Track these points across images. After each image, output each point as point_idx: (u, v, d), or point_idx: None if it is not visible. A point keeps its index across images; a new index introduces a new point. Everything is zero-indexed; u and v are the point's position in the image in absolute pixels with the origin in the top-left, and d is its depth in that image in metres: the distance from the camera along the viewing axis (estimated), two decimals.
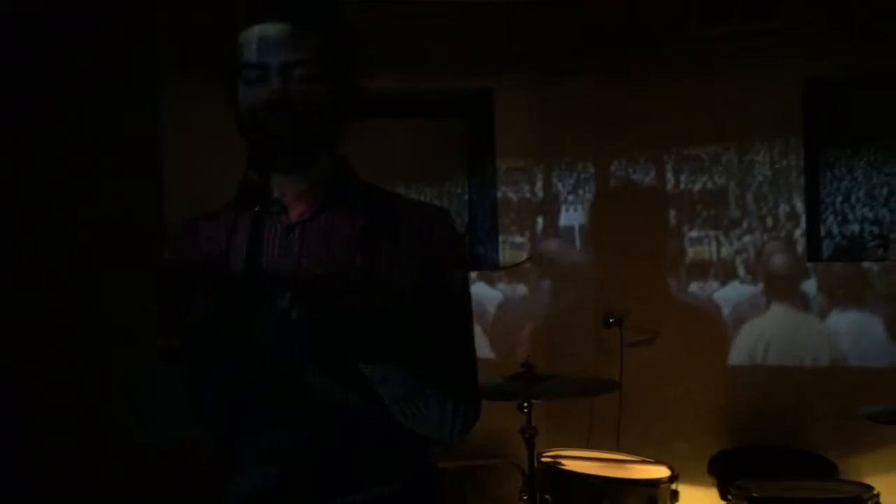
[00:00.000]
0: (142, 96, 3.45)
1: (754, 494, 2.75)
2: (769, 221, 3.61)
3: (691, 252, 3.73)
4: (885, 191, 3.55)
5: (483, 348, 3.83)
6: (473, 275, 3.89)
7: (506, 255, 3.93)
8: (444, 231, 1.52)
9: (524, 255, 3.92)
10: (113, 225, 3.31)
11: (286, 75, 1.42)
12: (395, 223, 1.49)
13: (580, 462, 3.00)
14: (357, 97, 1.50)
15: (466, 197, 4.03)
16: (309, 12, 1.45)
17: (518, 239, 3.94)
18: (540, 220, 3.95)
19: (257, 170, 1.31)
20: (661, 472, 2.90)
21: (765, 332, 3.63)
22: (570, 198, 3.91)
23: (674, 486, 2.85)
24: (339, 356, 1.40)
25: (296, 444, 1.45)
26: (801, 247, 3.58)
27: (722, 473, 3.36)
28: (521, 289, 3.93)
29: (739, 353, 3.67)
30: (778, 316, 3.61)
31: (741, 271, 3.65)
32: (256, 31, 1.43)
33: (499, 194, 3.91)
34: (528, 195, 3.94)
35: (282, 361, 1.44)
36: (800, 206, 3.57)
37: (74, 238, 3.29)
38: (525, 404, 2.88)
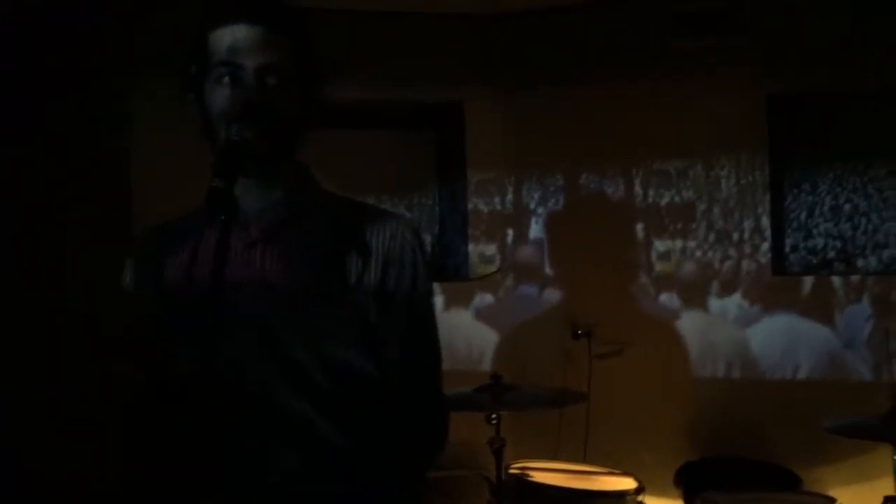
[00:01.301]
0: (111, 100, 3.42)
1: None
2: (735, 236, 3.66)
3: (659, 265, 3.76)
4: (848, 207, 3.61)
5: (451, 359, 3.82)
6: (443, 285, 3.89)
7: (475, 266, 3.93)
8: (410, 242, 1.51)
9: (494, 267, 3.93)
10: (81, 230, 3.27)
11: (261, 78, 1.40)
12: (361, 236, 1.47)
13: (547, 473, 3.00)
14: (320, 106, 1.50)
15: (437, 208, 4.04)
16: (280, 18, 1.44)
17: (488, 250, 3.95)
18: (510, 232, 3.96)
19: (223, 177, 1.28)
20: (627, 483, 2.92)
21: (730, 345, 3.67)
22: (540, 210, 3.93)
23: (640, 498, 2.87)
24: (306, 376, 1.39)
25: (261, 466, 1.42)
26: (767, 261, 3.62)
27: (688, 485, 3.38)
28: (491, 300, 3.93)
29: (705, 365, 3.70)
30: (742, 329, 3.65)
31: (708, 284, 3.69)
32: (229, 32, 1.42)
33: (469, 206, 3.92)
34: (498, 207, 3.95)
35: (246, 381, 1.41)
36: (765, 220, 3.62)
37: (43, 243, 3.25)
38: (493, 415, 2.88)
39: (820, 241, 3.65)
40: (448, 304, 3.88)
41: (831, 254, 3.64)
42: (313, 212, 1.49)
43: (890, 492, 2.63)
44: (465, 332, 3.89)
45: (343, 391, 1.43)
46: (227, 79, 1.41)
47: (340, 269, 1.43)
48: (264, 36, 1.41)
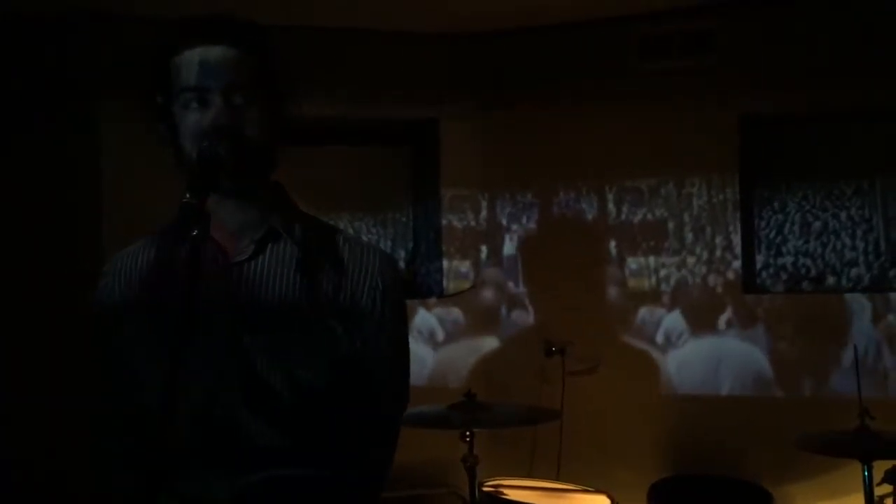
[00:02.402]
0: (81, 120, 3.40)
1: None
2: (706, 254, 3.69)
3: (632, 282, 3.78)
4: (817, 225, 3.66)
5: (425, 376, 3.81)
6: (417, 302, 3.89)
7: (449, 282, 3.94)
8: (386, 270, 1.51)
9: (468, 284, 3.93)
10: (51, 248, 3.24)
11: (228, 99, 1.40)
12: (335, 260, 1.47)
13: (521, 491, 3.00)
14: (288, 123, 1.50)
15: (411, 225, 4.04)
16: (245, 37, 1.44)
17: (462, 267, 3.95)
18: (484, 249, 3.97)
19: (195, 192, 1.28)
20: (601, 501, 2.92)
21: (702, 362, 3.69)
22: (514, 227, 3.94)
23: None
24: (275, 399, 1.39)
25: (224, 493, 1.40)
26: (737, 279, 3.66)
27: (661, 502, 3.39)
28: (465, 316, 3.93)
29: (678, 382, 3.72)
30: (716, 346, 3.68)
31: (680, 302, 3.72)
32: (196, 55, 1.41)
33: (443, 222, 3.93)
34: (472, 224, 3.96)
35: (214, 405, 1.40)
36: (736, 239, 3.66)
37: (12, 259, 3.21)
38: (467, 433, 2.88)
39: (790, 260, 3.70)
40: (422, 321, 3.87)
41: (801, 272, 3.68)
42: (288, 233, 1.49)
43: None
44: (439, 349, 3.88)
45: (309, 414, 1.42)
46: (194, 104, 1.40)
47: (313, 291, 1.43)
48: (227, 56, 1.41)
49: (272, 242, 1.47)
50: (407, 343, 1.57)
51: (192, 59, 1.41)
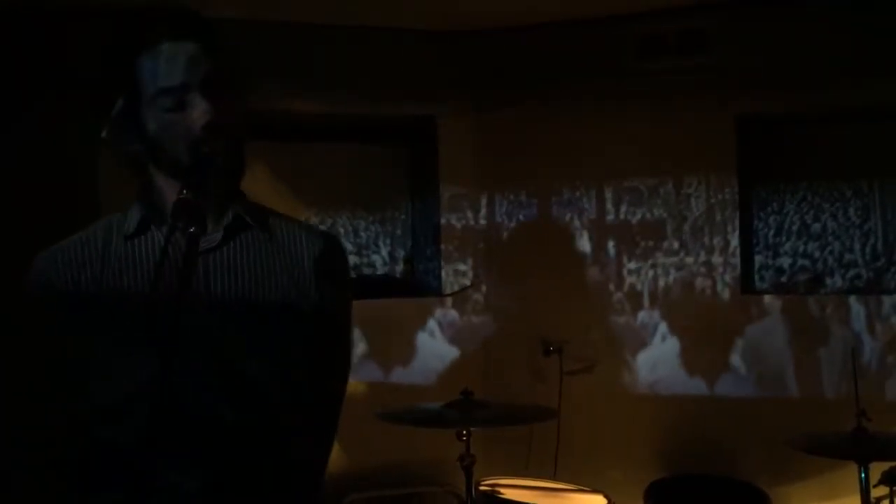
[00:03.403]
0: (79, 118, 3.38)
1: None
2: (704, 254, 3.69)
3: (630, 282, 3.78)
4: (816, 226, 3.66)
5: (422, 375, 3.81)
6: (415, 300, 3.88)
7: (447, 281, 3.93)
8: (338, 259, 1.55)
9: (466, 282, 3.93)
10: (47, 243, 3.23)
11: (207, 95, 1.38)
12: (296, 251, 1.50)
13: (518, 490, 3.00)
14: (246, 118, 1.49)
15: (409, 223, 4.03)
16: (200, 30, 1.42)
17: (460, 266, 3.95)
18: (482, 247, 3.96)
19: (193, 189, 1.27)
20: (597, 501, 2.92)
21: (700, 362, 3.69)
22: (512, 225, 3.94)
23: None
24: (247, 388, 1.39)
25: (202, 487, 1.38)
26: (736, 279, 3.65)
27: (657, 502, 3.39)
28: (462, 315, 3.93)
29: (676, 383, 3.72)
30: (713, 347, 3.68)
31: (678, 302, 3.71)
32: (166, 51, 1.38)
33: (442, 221, 3.93)
34: (470, 222, 3.96)
35: (184, 395, 1.37)
36: (734, 239, 3.65)
37: (8, 258, 3.20)
38: (463, 432, 2.87)
39: (788, 261, 3.70)
40: (420, 320, 3.87)
41: (799, 273, 3.68)
42: (253, 220, 1.49)
43: None
44: (436, 347, 3.88)
45: (275, 401, 1.43)
46: (172, 103, 1.38)
47: (278, 279, 1.45)
48: (196, 51, 1.39)
49: (239, 230, 1.47)
50: (348, 326, 1.60)
51: (163, 56, 1.38)
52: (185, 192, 1.27)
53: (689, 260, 3.70)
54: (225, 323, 1.41)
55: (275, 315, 1.44)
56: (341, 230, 3.91)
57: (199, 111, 1.38)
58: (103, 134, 1.44)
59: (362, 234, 3.97)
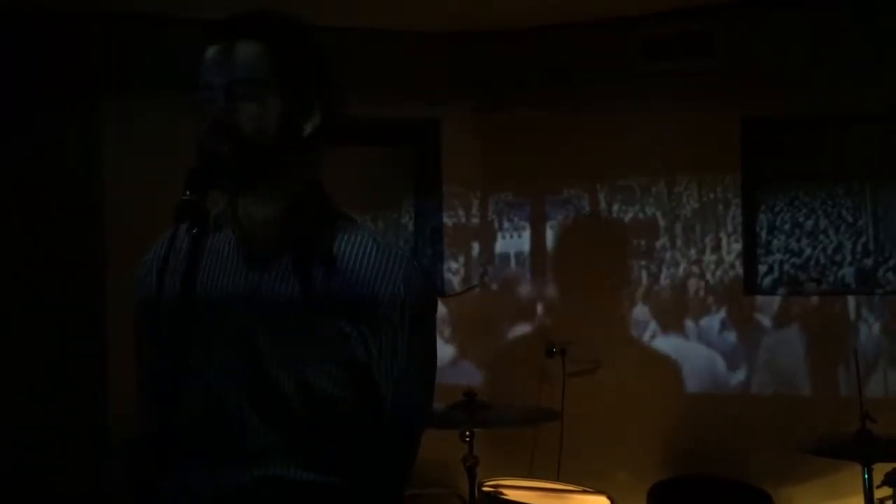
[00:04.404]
0: (83, 117, 3.40)
1: None
2: (707, 255, 3.68)
3: (634, 283, 3.78)
4: (814, 226, 3.65)
5: None
6: None
7: (451, 282, 3.94)
8: (416, 285, 1.45)
9: (469, 284, 3.93)
10: (54, 244, 3.25)
11: (231, 94, 1.37)
12: (361, 269, 1.42)
13: (521, 492, 3.00)
14: (321, 119, 1.46)
15: (412, 224, 4.04)
16: (257, 30, 1.40)
17: (462, 267, 3.95)
18: (485, 249, 3.97)
19: (194, 190, 1.26)
20: (600, 502, 2.92)
21: (702, 363, 3.69)
22: (515, 227, 3.94)
23: None
24: (280, 400, 1.38)
25: (227, 491, 1.39)
26: (738, 280, 3.65)
27: (659, 503, 3.39)
28: (465, 316, 3.93)
29: (679, 383, 3.72)
30: (717, 348, 3.68)
31: (681, 303, 3.71)
32: (209, 53, 1.40)
33: (445, 222, 3.93)
34: (473, 223, 3.96)
35: (218, 400, 1.39)
36: (734, 240, 3.65)
37: (15, 257, 3.23)
38: (467, 433, 2.88)
39: (791, 261, 3.69)
40: None
41: (802, 273, 3.68)
42: (313, 230, 1.45)
43: None
44: (440, 348, 3.87)
45: (320, 420, 1.41)
46: (207, 99, 1.38)
47: (330, 294, 1.40)
48: (238, 51, 1.38)
49: (296, 240, 1.44)
50: (432, 357, 1.51)
51: (207, 57, 1.40)
52: (188, 192, 1.26)
53: (692, 260, 3.70)
54: (267, 333, 1.40)
55: (319, 329, 1.40)
56: None
57: (216, 108, 1.37)
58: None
59: None
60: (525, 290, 3.91)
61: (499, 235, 3.95)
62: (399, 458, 1.50)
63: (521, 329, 3.90)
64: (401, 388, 1.45)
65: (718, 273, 3.68)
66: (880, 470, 2.64)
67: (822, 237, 3.65)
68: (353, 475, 1.43)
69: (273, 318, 1.40)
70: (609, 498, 2.91)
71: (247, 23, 1.41)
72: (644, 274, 3.76)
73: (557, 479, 3.23)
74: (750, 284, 3.68)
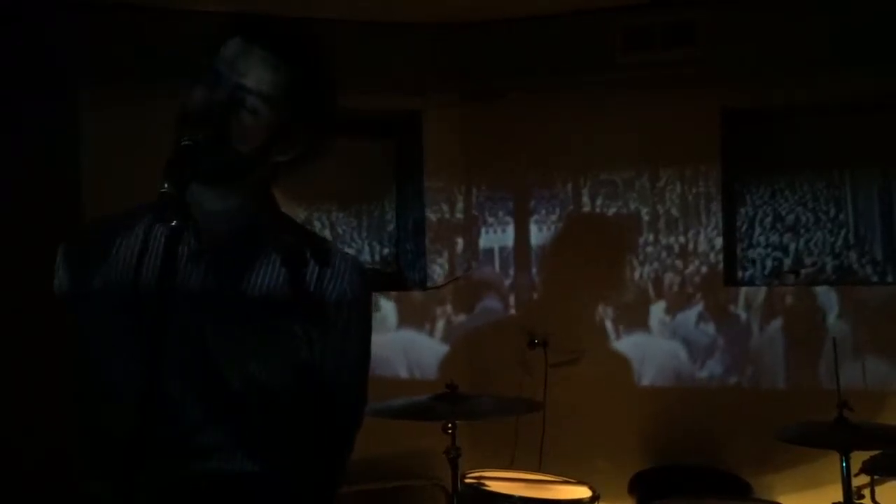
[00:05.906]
0: (59, 108, 3.36)
1: None
2: (687, 246, 3.70)
3: (614, 274, 3.79)
4: (794, 218, 3.68)
5: (407, 368, 3.82)
6: (400, 294, 3.88)
7: (432, 275, 3.93)
8: (359, 287, 1.50)
9: (451, 276, 3.93)
10: (30, 230, 3.22)
11: (233, 95, 1.38)
12: (306, 263, 1.46)
13: (504, 483, 3.00)
14: (296, 154, 1.47)
15: (394, 217, 4.03)
16: (287, 49, 1.42)
17: (444, 259, 3.95)
18: (466, 241, 3.97)
19: (173, 182, 1.25)
20: (582, 492, 2.93)
21: (683, 354, 3.71)
22: (496, 219, 3.95)
23: None
24: (225, 394, 1.39)
25: (170, 485, 1.39)
26: (719, 271, 3.67)
27: (641, 493, 3.41)
28: (447, 309, 3.94)
29: (660, 374, 3.74)
30: (697, 338, 3.70)
31: (663, 294, 3.73)
32: (230, 45, 1.41)
33: (426, 215, 3.92)
34: (456, 215, 3.96)
35: (163, 392, 1.36)
36: (715, 231, 3.68)
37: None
38: (449, 425, 2.88)
39: (770, 252, 3.72)
40: (405, 313, 3.87)
41: (781, 264, 3.71)
42: (264, 229, 1.47)
43: (838, 498, 2.68)
44: (421, 340, 3.88)
45: (259, 412, 1.42)
46: (208, 81, 1.38)
47: (279, 292, 1.42)
48: (256, 57, 1.40)
49: (246, 235, 1.46)
50: (368, 357, 1.55)
51: (230, 46, 1.42)
52: (166, 185, 1.25)
53: (673, 252, 3.72)
54: (217, 324, 1.40)
55: (266, 325, 1.42)
56: (326, 223, 3.90)
57: (215, 95, 1.37)
58: None
59: (347, 227, 3.96)
60: (507, 280, 3.92)
61: (480, 228, 3.95)
62: (338, 452, 1.53)
63: (504, 321, 3.90)
64: (342, 384, 1.49)
65: (699, 263, 3.70)
66: (858, 458, 2.66)
67: (801, 229, 3.67)
68: (295, 467, 1.45)
69: (221, 310, 1.41)
70: (591, 488, 2.92)
71: (281, 37, 1.43)
72: (624, 265, 3.78)
73: (539, 470, 3.24)
74: (730, 275, 3.70)
